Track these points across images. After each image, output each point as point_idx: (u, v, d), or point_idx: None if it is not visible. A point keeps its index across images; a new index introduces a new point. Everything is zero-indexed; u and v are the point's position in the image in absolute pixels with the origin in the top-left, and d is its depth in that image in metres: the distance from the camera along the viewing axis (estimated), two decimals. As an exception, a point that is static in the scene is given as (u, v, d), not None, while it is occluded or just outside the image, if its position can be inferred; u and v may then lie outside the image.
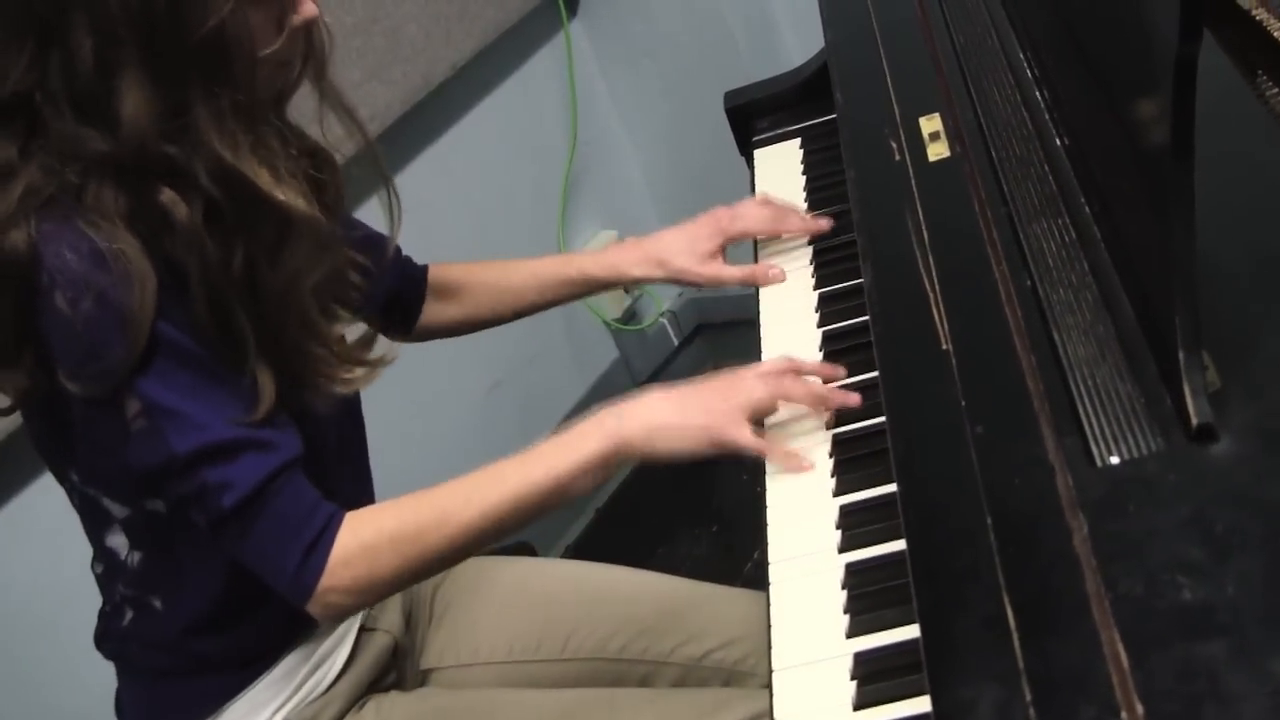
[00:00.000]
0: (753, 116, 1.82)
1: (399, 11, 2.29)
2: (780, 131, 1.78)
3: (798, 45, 2.48)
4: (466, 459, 2.44)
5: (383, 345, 1.30)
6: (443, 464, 2.37)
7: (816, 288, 1.44)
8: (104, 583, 1.31)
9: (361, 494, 1.38)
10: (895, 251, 1.13)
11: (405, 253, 1.51)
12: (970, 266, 1.06)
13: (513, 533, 1.18)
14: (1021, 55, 1.25)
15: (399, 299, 1.51)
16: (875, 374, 1.10)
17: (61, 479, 1.25)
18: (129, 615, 1.29)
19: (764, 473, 1.23)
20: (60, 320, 1.07)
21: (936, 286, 1.06)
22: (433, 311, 1.55)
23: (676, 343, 2.89)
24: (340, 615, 1.18)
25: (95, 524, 1.26)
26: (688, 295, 2.90)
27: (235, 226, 1.11)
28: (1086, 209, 1.04)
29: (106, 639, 1.33)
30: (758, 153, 1.78)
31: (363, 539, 1.14)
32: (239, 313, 1.12)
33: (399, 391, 2.30)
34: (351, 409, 1.36)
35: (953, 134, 1.21)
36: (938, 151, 1.20)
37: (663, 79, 2.68)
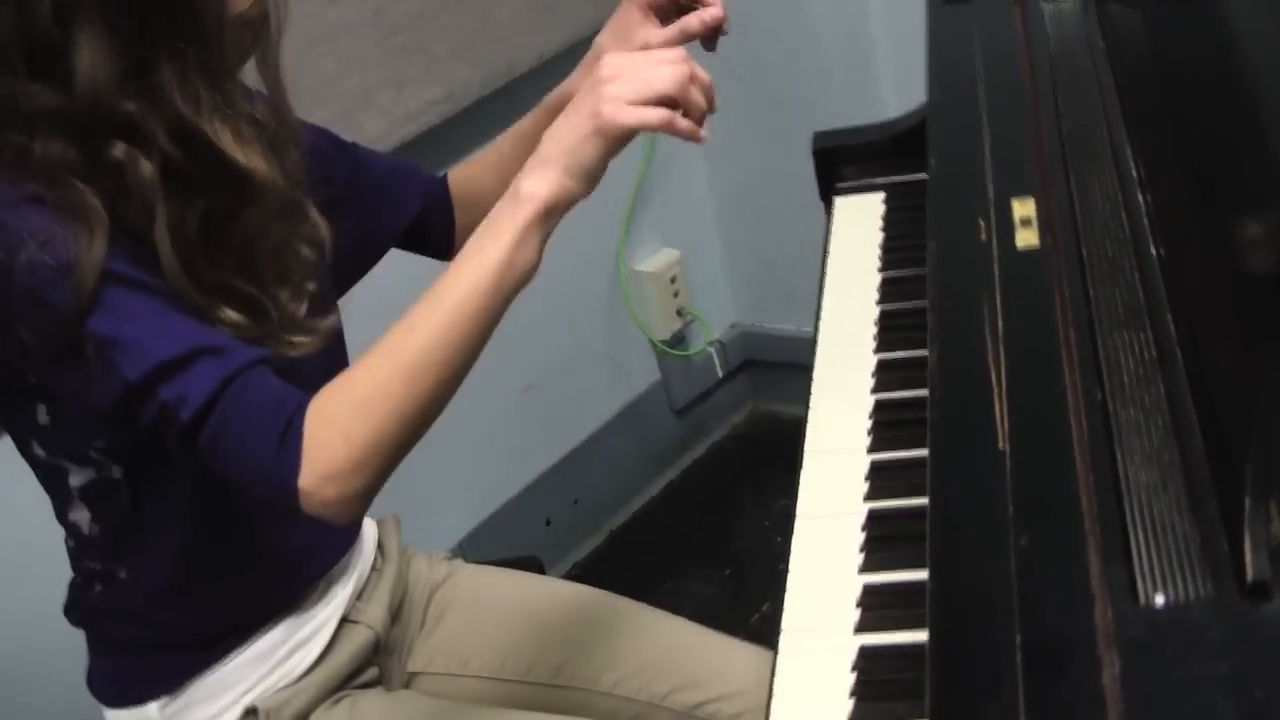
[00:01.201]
0: (839, 163, 1.80)
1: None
2: (865, 182, 1.77)
3: (895, 94, 2.47)
4: (491, 456, 2.47)
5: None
6: (465, 458, 2.40)
7: (877, 351, 1.42)
8: (73, 558, 1.31)
9: None
10: (965, 336, 1.11)
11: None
12: (1041, 366, 1.04)
13: (478, 344, 1.10)
14: (1129, 153, 1.24)
15: (430, 219, 1.49)
16: (924, 453, 1.09)
17: (26, 454, 1.24)
18: (97, 588, 1.30)
19: (790, 527, 1.21)
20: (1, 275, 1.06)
21: (1003, 381, 1.04)
22: (466, 225, 1.49)
23: (720, 375, 2.88)
24: (344, 508, 1.08)
25: (59, 499, 1.26)
26: (740, 327, 2.89)
27: (194, 185, 1.11)
28: (1172, 327, 1.02)
29: (74, 608, 1.33)
30: (838, 200, 1.77)
31: (326, 414, 1.07)
32: (200, 261, 1.11)
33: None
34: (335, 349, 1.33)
35: (1045, 223, 1.19)
36: (1026, 239, 1.18)
37: (750, 105, 2.67)
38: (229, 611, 1.29)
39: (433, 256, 1.51)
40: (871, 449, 1.31)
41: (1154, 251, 1.11)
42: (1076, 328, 1.06)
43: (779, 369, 2.84)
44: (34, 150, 1.07)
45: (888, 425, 1.33)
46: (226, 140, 1.10)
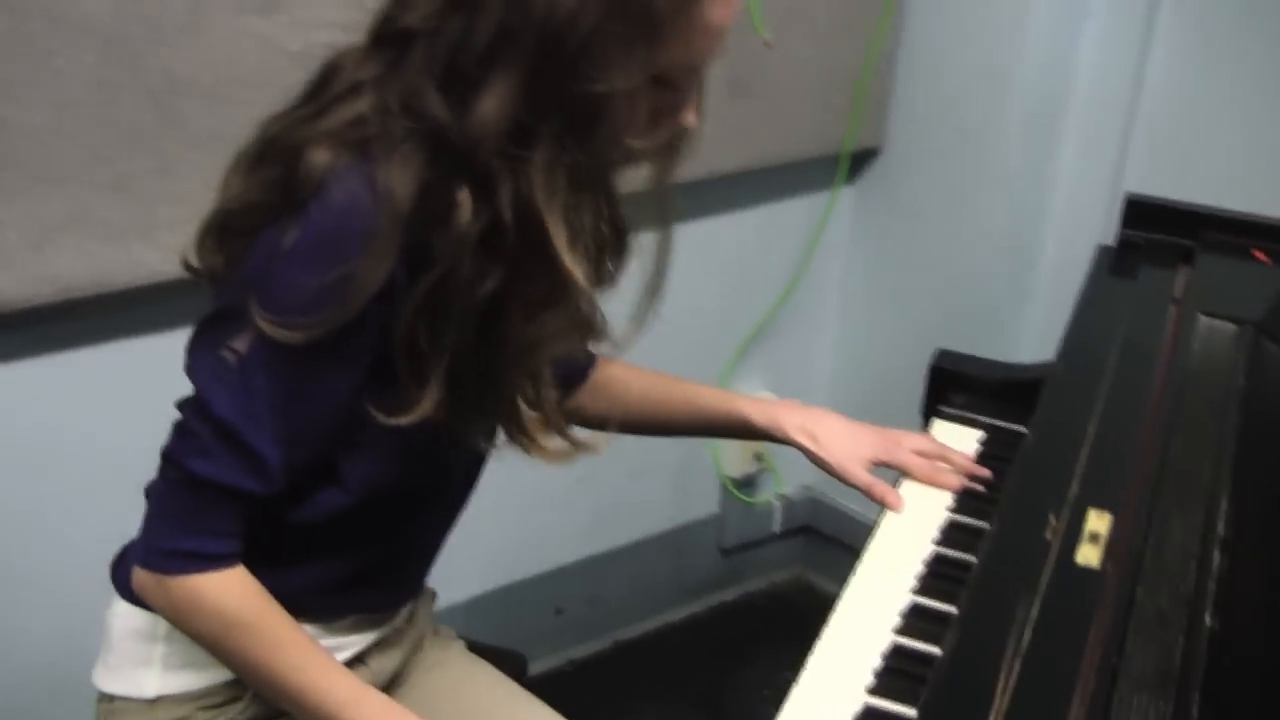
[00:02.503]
0: (952, 387, 1.77)
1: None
2: (969, 415, 1.73)
3: (1036, 339, 2.45)
4: (527, 526, 2.44)
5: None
6: (502, 517, 2.38)
7: (915, 591, 1.39)
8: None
9: (432, 544, 1.42)
10: (990, 630, 1.08)
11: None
12: (1046, 704, 1.00)
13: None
14: (1224, 506, 1.19)
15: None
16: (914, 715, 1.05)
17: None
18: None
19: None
20: (279, 253, 1.10)
21: (1007, 698, 1.01)
22: (581, 400, 1.56)
23: (777, 530, 2.84)
24: (142, 602, 1.23)
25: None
26: (812, 492, 2.85)
27: (506, 261, 1.12)
28: (1196, 709, 0.98)
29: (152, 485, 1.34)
30: (937, 423, 1.73)
31: (212, 596, 1.17)
32: (449, 333, 1.14)
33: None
34: (473, 471, 1.40)
35: (1112, 546, 1.15)
36: (1087, 556, 1.14)
37: (900, 283, 2.65)
38: (272, 585, 1.28)
39: None
40: (871, 690, 1.27)
41: (1208, 621, 1.06)
42: (1099, 670, 1.02)
43: (835, 545, 2.80)
44: (394, 154, 1.10)
45: (895, 673, 1.28)
46: (562, 241, 1.10)
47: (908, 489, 1.54)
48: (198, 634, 1.20)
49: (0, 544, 1.84)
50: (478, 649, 1.59)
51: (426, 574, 1.47)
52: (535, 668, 2.45)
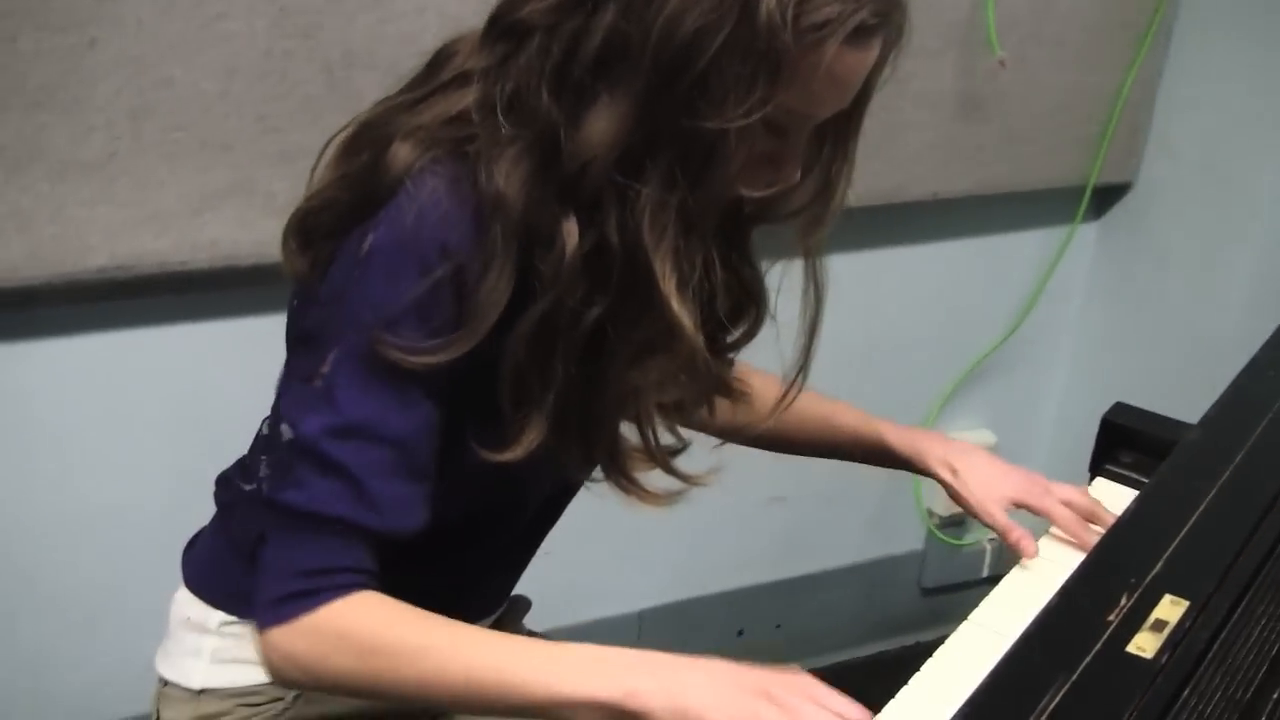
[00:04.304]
0: (1122, 444, 1.65)
1: (915, 118, 2.22)
2: (1133, 476, 1.61)
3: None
4: (718, 540, 2.40)
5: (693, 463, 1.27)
6: (694, 528, 2.36)
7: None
8: (256, 443, 1.32)
9: (506, 565, 1.39)
10: (1020, 696, 0.99)
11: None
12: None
13: (470, 711, 1.10)
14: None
15: None
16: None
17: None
18: (249, 486, 1.30)
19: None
20: (356, 261, 1.07)
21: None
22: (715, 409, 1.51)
23: (984, 575, 2.73)
24: (278, 679, 1.12)
25: (277, 395, 1.25)
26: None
27: (611, 296, 1.08)
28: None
29: (223, 483, 1.36)
30: (1097, 480, 1.62)
31: (341, 624, 1.08)
32: (555, 367, 1.10)
33: (681, 457, 2.28)
34: (557, 506, 1.37)
35: (1174, 640, 1.04)
36: (1141, 644, 1.04)
37: (1141, 329, 2.51)
38: None
39: None
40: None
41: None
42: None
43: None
44: (498, 166, 1.06)
45: None
46: (669, 283, 1.05)
47: (1044, 544, 1.45)
48: (344, 673, 1.09)
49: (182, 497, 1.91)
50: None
51: (508, 590, 1.44)
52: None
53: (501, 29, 1.09)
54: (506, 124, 1.06)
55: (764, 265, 1.26)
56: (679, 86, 1.00)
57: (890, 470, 1.58)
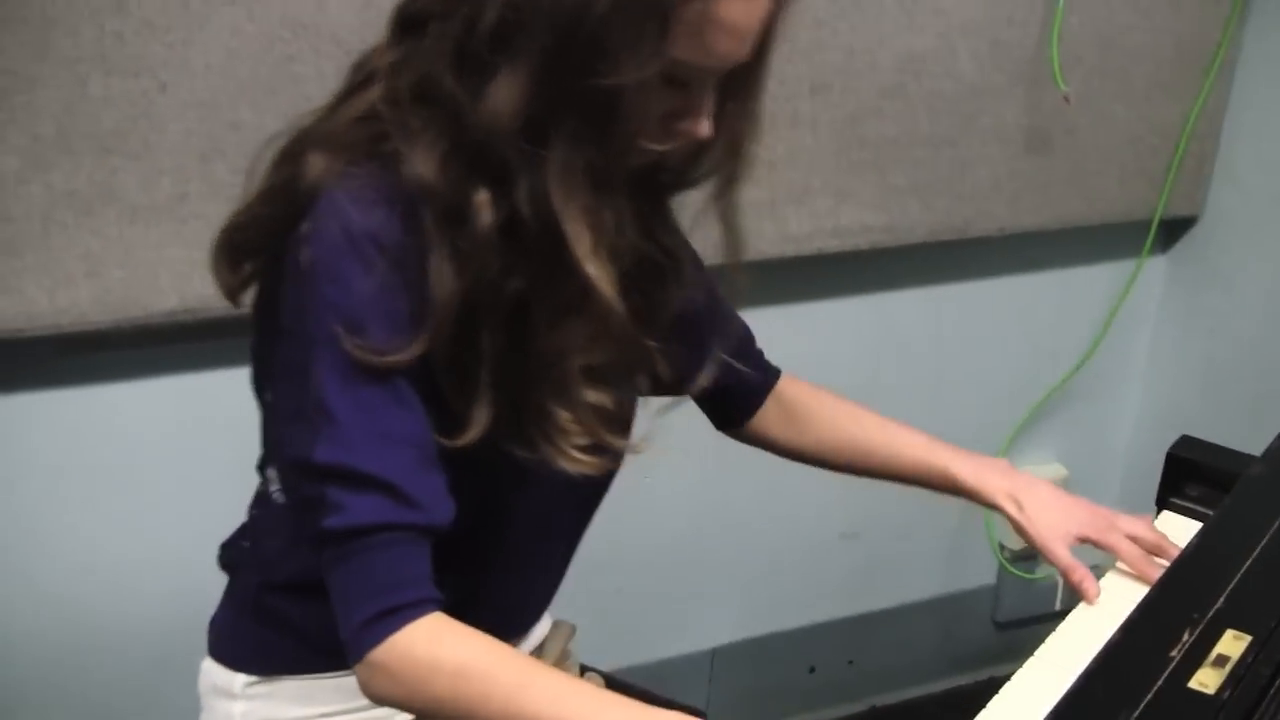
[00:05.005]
0: (1188, 477, 1.65)
1: (983, 153, 2.25)
2: (1200, 510, 1.61)
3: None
4: (787, 576, 2.39)
5: (637, 434, 1.27)
6: (764, 564, 2.37)
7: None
8: (251, 504, 1.36)
9: (548, 564, 1.38)
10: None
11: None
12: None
13: None
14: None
15: (729, 393, 1.49)
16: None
17: (258, 391, 1.28)
18: (250, 543, 1.34)
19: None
20: (300, 280, 1.09)
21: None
22: (770, 423, 1.53)
23: (1058, 608, 2.72)
24: (378, 700, 1.12)
25: (266, 448, 1.30)
26: (1101, 571, 2.71)
27: (528, 262, 1.10)
28: None
29: (227, 549, 1.39)
30: (1164, 514, 1.63)
31: (437, 650, 1.08)
32: (484, 339, 1.11)
33: (752, 492, 2.30)
34: (580, 508, 1.36)
35: (1236, 675, 1.05)
36: (1204, 680, 1.05)
37: (1211, 362, 2.50)
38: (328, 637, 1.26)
39: (711, 419, 1.53)
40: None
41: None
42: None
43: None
44: (418, 144, 1.09)
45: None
46: (583, 246, 1.07)
47: (1111, 580, 1.45)
48: (437, 702, 1.09)
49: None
50: (634, 694, 1.56)
51: (538, 606, 1.43)
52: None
53: (401, 22, 1.12)
54: (415, 113, 1.09)
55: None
56: (573, 49, 1.02)
57: (962, 504, 1.58)
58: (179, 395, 1.85)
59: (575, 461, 1.15)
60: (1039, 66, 2.21)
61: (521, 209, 1.07)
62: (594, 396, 1.17)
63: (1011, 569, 2.63)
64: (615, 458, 1.22)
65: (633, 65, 1.02)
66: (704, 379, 1.35)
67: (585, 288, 1.08)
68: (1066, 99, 2.22)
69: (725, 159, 1.18)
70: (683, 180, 1.22)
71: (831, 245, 2.19)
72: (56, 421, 1.80)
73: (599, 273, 1.08)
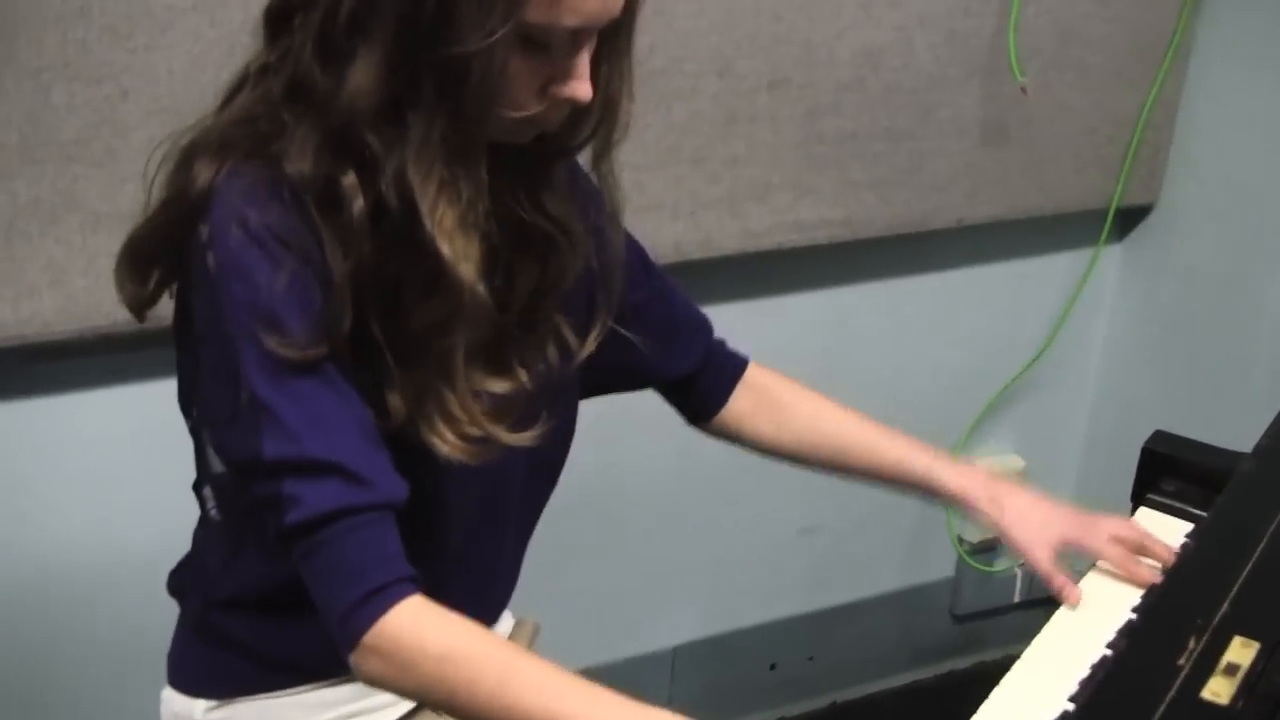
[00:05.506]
0: (1164, 472, 1.64)
1: (940, 146, 2.23)
2: (1178, 505, 1.60)
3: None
4: (748, 575, 2.39)
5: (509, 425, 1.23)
6: (724, 563, 2.35)
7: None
8: (195, 529, 1.35)
9: (497, 556, 1.36)
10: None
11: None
12: None
13: None
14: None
15: (695, 384, 1.47)
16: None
17: (184, 410, 1.27)
18: (196, 565, 1.33)
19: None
20: (208, 285, 1.10)
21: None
22: (743, 416, 1.50)
23: (1015, 601, 2.72)
24: (372, 683, 1.11)
25: (199, 468, 1.29)
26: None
27: (395, 242, 1.09)
28: None
29: (174, 575, 1.37)
30: (1141, 510, 1.62)
31: (421, 634, 1.08)
32: (372, 324, 1.11)
33: (713, 490, 2.29)
34: (545, 468, 1.35)
35: (1249, 682, 1.04)
36: (1215, 690, 1.04)
37: (1168, 351, 2.51)
38: (308, 650, 1.26)
39: (682, 414, 1.51)
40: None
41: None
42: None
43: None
44: (289, 147, 1.10)
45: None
46: (442, 224, 1.08)
47: (1092, 580, 1.44)
48: (426, 687, 1.09)
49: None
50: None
51: (499, 598, 1.42)
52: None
53: (269, 22, 1.14)
54: (288, 109, 1.10)
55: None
56: (422, 22, 1.03)
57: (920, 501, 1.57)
58: (144, 403, 1.80)
59: (448, 445, 1.14)
60: (996, 57, 2.20)
61: (386, 194, 1.08)
62: (486, 382, 1.18)
63: (971, 562, 2.63)
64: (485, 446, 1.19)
65: (479, 32, 1.03)
66: (667, 373, 1.42)
67: (439, 264, 1.09)
68: (1024, 90, 2.21)
69: (602, 122, 1.18)
70: (566, 147, 1.20)
71: (791, 240, 2.18)
72: (22, 431, 1.79)
73: (451, 249, 1.08)
